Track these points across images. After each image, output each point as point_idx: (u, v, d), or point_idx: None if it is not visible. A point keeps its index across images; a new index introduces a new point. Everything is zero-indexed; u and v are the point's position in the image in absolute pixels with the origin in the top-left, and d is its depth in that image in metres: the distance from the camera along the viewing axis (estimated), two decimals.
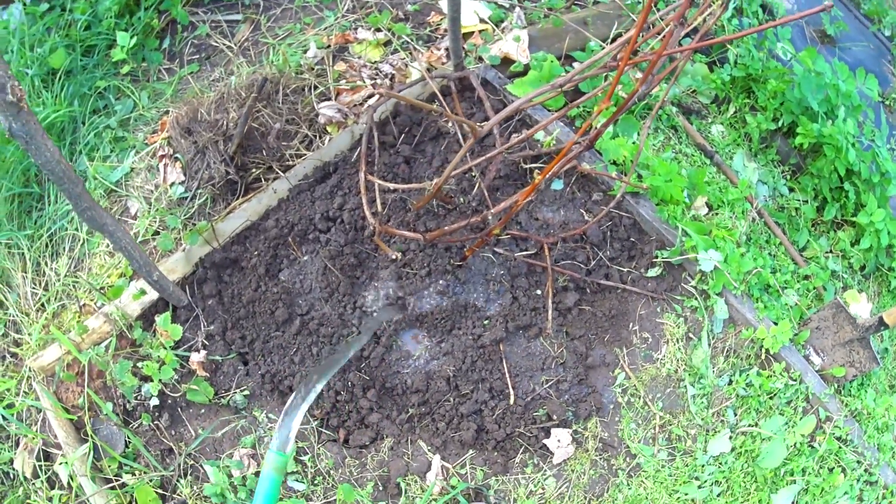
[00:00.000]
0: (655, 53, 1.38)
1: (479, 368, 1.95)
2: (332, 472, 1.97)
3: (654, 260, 2.09)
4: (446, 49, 2.23)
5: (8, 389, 2.14)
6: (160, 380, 1.98)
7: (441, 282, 1.98)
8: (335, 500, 1.95)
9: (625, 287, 2.05)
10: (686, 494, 2.09)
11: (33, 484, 2.12)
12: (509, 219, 1.84)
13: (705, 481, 2.13)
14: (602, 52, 1.82)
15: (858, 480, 2.33)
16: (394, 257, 1.74)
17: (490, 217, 1.76)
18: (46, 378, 2.05)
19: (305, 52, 2.29)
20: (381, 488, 1.95)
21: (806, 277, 2.31)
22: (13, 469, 2.14)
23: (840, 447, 2.27)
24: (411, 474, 1.94)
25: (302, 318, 2.00)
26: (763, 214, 2.27)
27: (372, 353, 1.97)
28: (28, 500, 2.10)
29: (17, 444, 2.18)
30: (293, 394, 1.45)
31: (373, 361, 1.97)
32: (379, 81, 2.18)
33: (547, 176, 1.65)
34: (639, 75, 2.22)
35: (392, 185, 1.86)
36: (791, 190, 2.39)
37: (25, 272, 2.29)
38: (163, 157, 2.30)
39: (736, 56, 2.33)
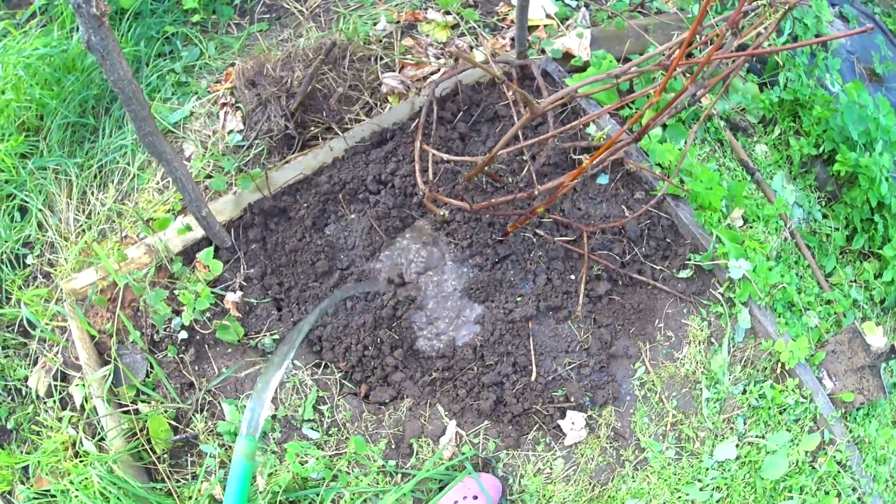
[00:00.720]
0: (706, 55, 1.45)
1: (507, 342, 2.01)
2: (347, 424, 2.02)
3: (687, 262, 2.15)
4: (511, 39, 2.31)
5: (38, 298, 2.19)
6: (194, 308, 2.04)
7: (479, 255, 2.05)
8: (345, 452, 2.00)
9: (655, 284, 2.11)
10: (687, 495, 2.13)
11: (45, 403, 2.17)
12: (554, 200, 1.91)
13: (707, 485, 2.17)
14: (656, 50, 1.90)
15: None
16: (442, 214, 1.81)
17: (537, 194, 1.83)
18: (77, 301, 2.11)
19: (375, 24, 2.38)
20: (393, 446, 2.00)
21: (828, 302, 2.37)
22: (26, 387, 2.19)
23: (839, 471, 2.31)
24: (425, 437, 1.99)
25: (342, 272, 2.07)
26: (795, 235, 2.33)
27: (404, 313, 2.03)
28: (37, 418, 2.16)
29: (35, 364, 2.24)
30: (258, 380, 1.44)
31: (404, 321, 2.04)
32: (443, 60, 2.26)
33: (594, 162, 1.72)
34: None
35: (446, 156, 1.94)
36: (824, 216, 2.45)
37: (70, 198, 2.36)
38: (224, 105, 2.39)
39: (786, 80, 2.41)
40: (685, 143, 2.26)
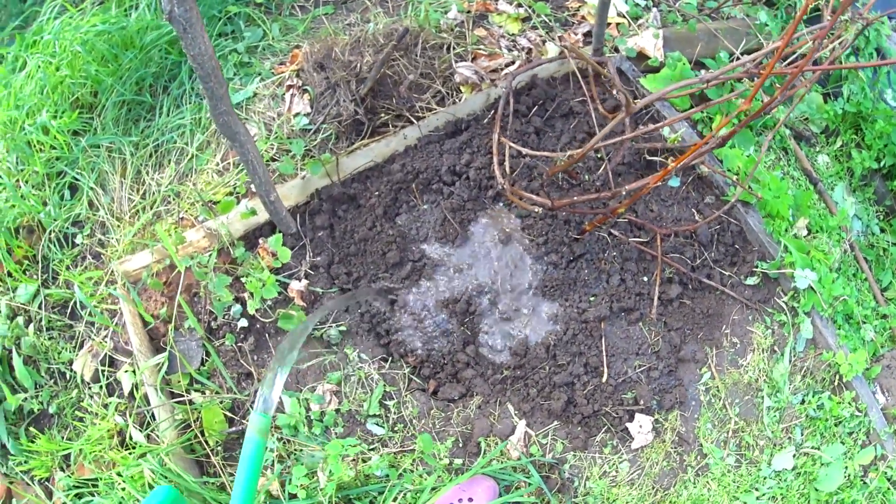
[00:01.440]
0: (799, 66, 1.45)
1: (579, 342, 2.00)
2: (414, 420, 1.98)
3: (754, 269, 2.16)
4: (583, 34, 2.30)
5: (90, 280, 2.12)
6: (262, 297, 1.99)
7: (554, 252, 2.03)
8: (412, 448, 1.96)
9: (724, 290, 2.11)
10: (745, 503, 2.15)
11: (90, 388, 2.10)
12: (636, 200, 1.90)
13: (764, 494, 2.18)
14: (748, 57, 1.90)
15: None
16: (536, 210, 1.79)
17: (624, 193, 1.82)
18: (130, 283, 2.05)
19: (446, 12, 2.35)
20: (461, 445, 1.97)
21: (884, 316, 2.39)
22: (72, 371, 2.12)
23: (889, 488, 2.34)
24: (494, 436, 1.97)
25: (413, 264, 2.04)
26: (854, 248, 2.35)
27: (478, 309, 2.01)
28: (81, 404, 2.09)
29: (81, 347, 2.17)
30: (272, 359, 1.42)
31: (476, 317, 2.01)
32: (515, 52, 2.24)
33: (678, 165, 1.71)
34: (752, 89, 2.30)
35: (524, 150, 1.91)
36: (882, 230, 2.48)
37: (125, 178, 2.29)
38: (290, 87, 2.34)
39: (850, 92, 2.43)
40: (755, 150, 2.26)
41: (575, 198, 1.85)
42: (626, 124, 2.12)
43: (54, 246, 2.24)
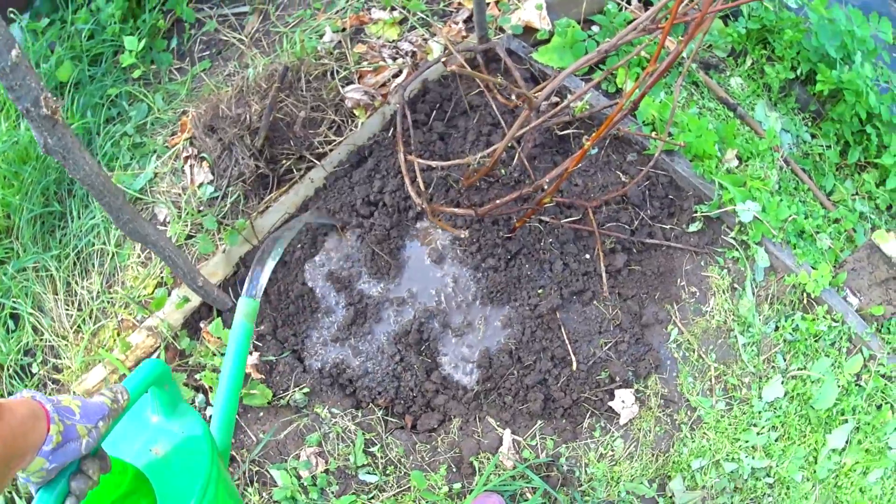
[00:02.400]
0: (702, 12, 1.38)
1: (539, 338, 1.95)
2: (403, 459, 1.95)
3: (694, 215, 2.11)
4: (464, 22, 2.21)
5: None
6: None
7: (491, 257, 1.98)
8: (409, 487, 1.94)
9: (669, 244, 2.07)
10: (746, 441, 2.13)
11: None
12: (559, 187, 1.84)
13: (763, 427, 2.17)
14: (645, 15, 1.83)
15: None
16: (462, 234, 1.73)
17: (545, 185, 1.76)
18: None
19: (321, 37, 2.25)
20: (454, 470, 1.94)
21: (836, 221, 2.36)
22: None
23: (886, 384, 2.33)
24: (483, 452, 1.94)
25: (355, 308, 1.98)
26: (790, 162, 2.31)
27: (431, 334, 1.96)
28: None
29: None
30: (261, 247, 1.47)
31: (432, 343, 1.96)
32: (400, 60, 2.15)
33: (594, 142, 1.65)
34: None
35: (433, 163, 1.85)
36: (813, 136, 2.43)
37: (57, 294, 2.22)
38: (187, 158, 2.25)
39: (750, 9, 2.36)
40: (666, 94, 2.20)
41: (497, 201, 1.79)
42: (541, 104, 2.04)
43: (15, 380, 2.18)
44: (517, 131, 1.54)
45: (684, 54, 2.05)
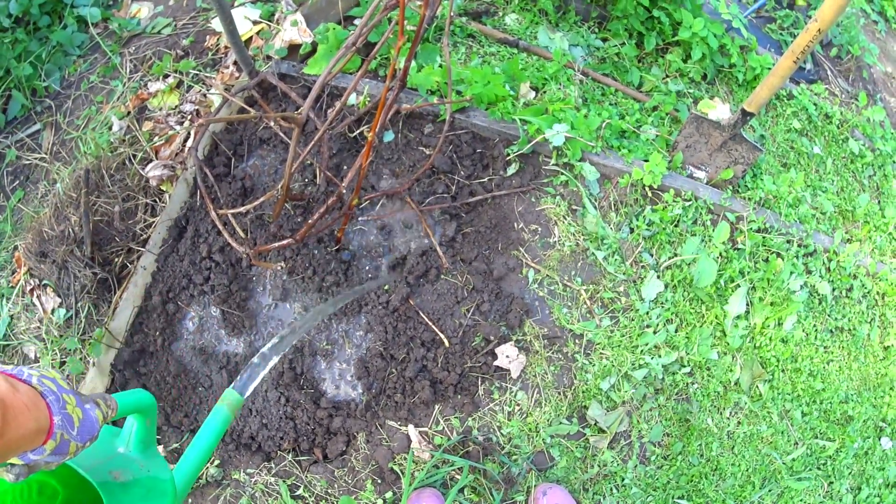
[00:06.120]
0: None
1: (402, 331, 1.99)
2: (329, 490, 1.99)
3: (508, 159, 2.15)
4: (234, 64, 2.23)
5: None
6: None
7: (329, 274, 2.01)
8: None
9: (493, 195, 2.11)
10: (647, 344, 2.17)
11: None
12: (361, 185, 1.87)
13: (657, 325, 2.21)
14: None
15: (797, 256, 2.44)
16: (279, 268, 1.76)
17: (344, 191, 1.79)
18: None
19: (111, 128, 2.27)
20: (379, 481, 1.98)
21: (654, 108, 2.40)
22: None
23: (764, 237, 2.37)
24: (397, 454, 1.97)
25: (227, 369, 2.02)
26: (588, 73, 2.35)
27: (303, 366, 2.00)
28: None
29: None
30: (266, 346, 1.41)
31: (308, 374, 2.00)
32: (187, 123, 2.17)
33: (377, 130, 1.68)
34: (417, 3, 2.25)
35: (243, 208, 1.87)
36: (604, 40, 2.47)
37: None
38: (33, 290, 2.26)
39: None
40: (441, 58, 2.23)
41: (310, 221, 1.82)
42: (314, 119, 2.07)
43: None
44: (294, 153, 1.57)
45: (451, 12, 2.08)
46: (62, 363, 2.19)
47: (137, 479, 0.87)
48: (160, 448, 2.04)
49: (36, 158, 2.41)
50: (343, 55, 1.78)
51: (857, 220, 2.68)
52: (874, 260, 2.60)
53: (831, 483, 2.42)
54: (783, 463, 2.33)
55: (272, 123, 1.97)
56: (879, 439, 2.59)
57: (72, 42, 2.46)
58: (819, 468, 2.42)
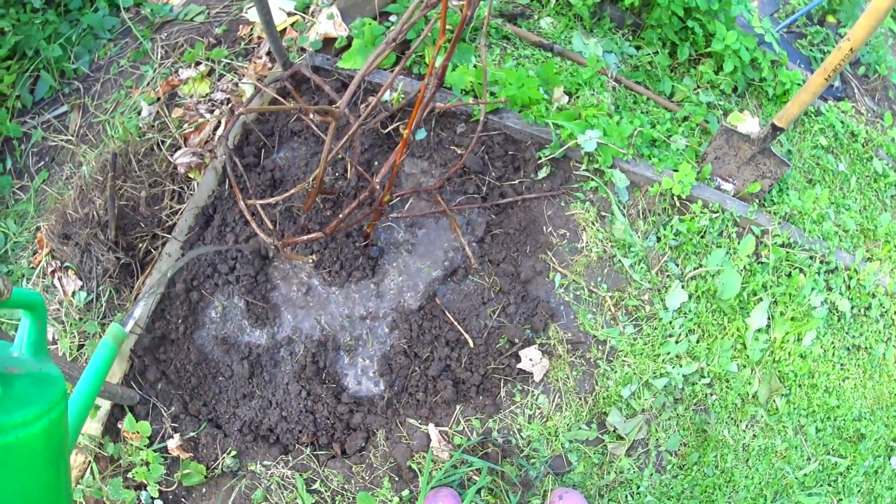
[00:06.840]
0: None
1: (427, 329, 1.99)
2: (346, 486, 1.98)
3: (539, 162, 2.15)
4: (268, 54, 2.22)
5: None
6: (154, 480, 1.97)
7: (356, 269, 2.00)
8: None
9: (523, 197, 2.11)
10: (668, 353, 2.17)
11: None
12: (393, 182, 1.87)
13: (679, 335, 2.21)
14: None
15: (819, 273, 2.44)
16: (311, 261, 1.75)
17: (378, 187, 1.79)
18: None
19: (139, 113, 2.26)
20: (396, 479, 1.97)
21: (685, 119, 2.40)
22: None
23: (787, 252, 2.37)
24: (416, 453, 1.97)
25: (248, 360, 2.01)
26: (621, 80, 2.34)
27: (327, 360, 1.99)
28: None
29: None
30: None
31: (330, 369, 2.00)
32: (217, 111, 2.16)
33: (412, 127, 1.67)
34: (454, 2, 2.25)
35: (273, 199, 1.86)
36: (638, 48, 2.47)
37: None
38: (53, 271, 2.25)
39: None
40: (477, 59, 2.22)
41: (341, 215, 1.82)
42: (347, 113, 2.07)
43: None
44: (329, 147, 1.56)
45: (483, 14, 2.07)
46: (80, 346, 2.18)
47: (31, 373, 0.91)
48: (177, 437, 2.03)
49: (62, 140, 2.40)
50: (382, 51, 1.77)
51: (878, 239, 2.68)
52: (893, 280, 2.60)
53: (840, 500, 2.42)
54: (795, 478, 2.33)
55: (307, 116, 1.96)
56: (889, 459, 2.59)
57: (102, 25, 2.45)
58: (830, 484, 2.42)
